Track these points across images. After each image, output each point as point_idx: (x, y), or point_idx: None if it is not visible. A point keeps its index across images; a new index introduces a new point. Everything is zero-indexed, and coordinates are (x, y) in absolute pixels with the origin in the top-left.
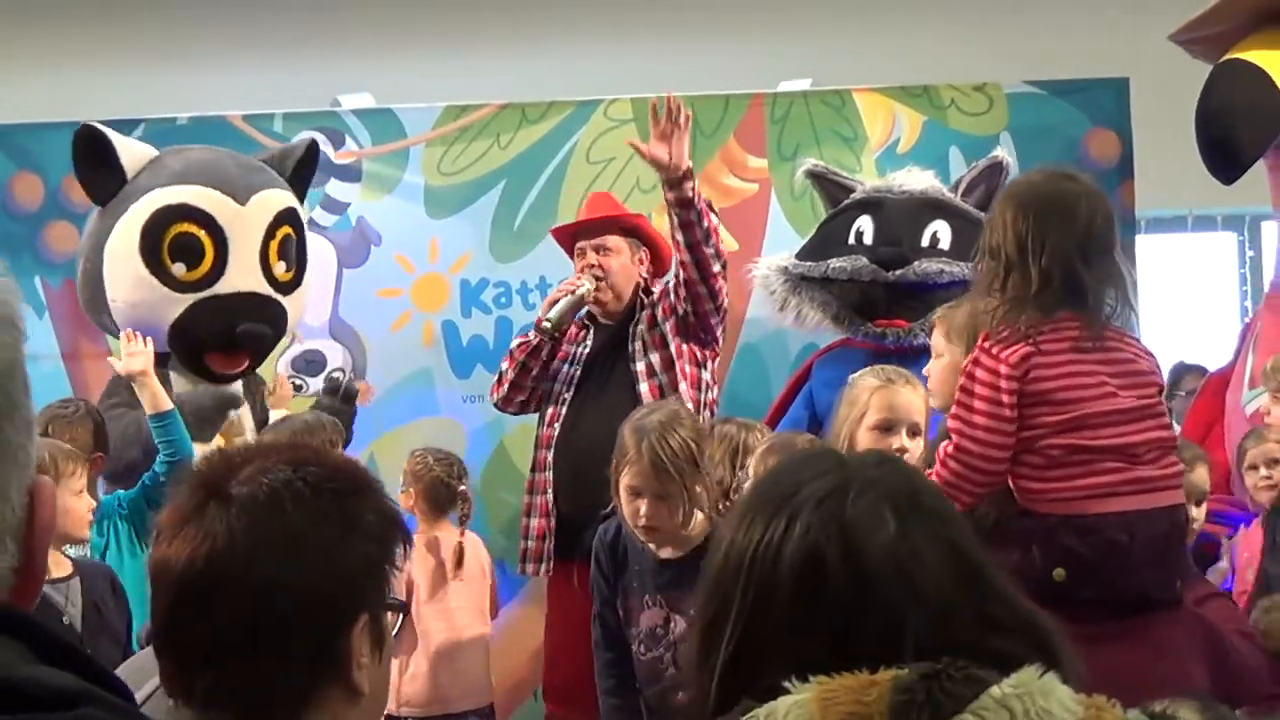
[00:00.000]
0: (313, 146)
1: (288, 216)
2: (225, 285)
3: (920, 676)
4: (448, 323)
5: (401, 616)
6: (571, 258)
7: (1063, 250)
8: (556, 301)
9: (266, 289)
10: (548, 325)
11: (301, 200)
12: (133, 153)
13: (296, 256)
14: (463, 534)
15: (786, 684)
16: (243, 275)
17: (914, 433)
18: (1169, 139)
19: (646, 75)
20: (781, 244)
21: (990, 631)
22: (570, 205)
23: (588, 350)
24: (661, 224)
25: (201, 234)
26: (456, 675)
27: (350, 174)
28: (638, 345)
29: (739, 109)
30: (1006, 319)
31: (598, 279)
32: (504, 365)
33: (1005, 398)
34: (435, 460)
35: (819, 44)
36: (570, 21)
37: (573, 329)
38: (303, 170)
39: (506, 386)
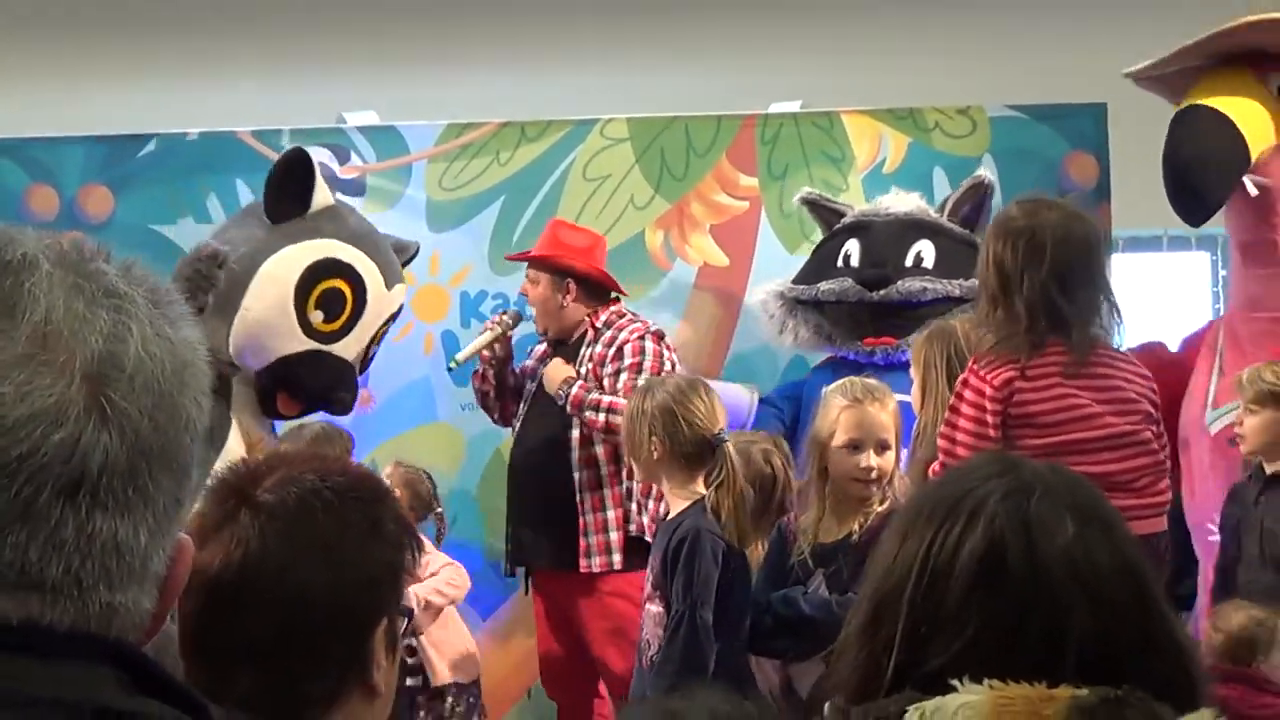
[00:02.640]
0: (417, 249)
1: (396, 314)
2: (340, 349)
3: (1101, 700)
4: (447, 333)
5: (407, 621)
6: None
7: (1041, 286)
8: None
9: (356, 364)
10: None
11: None
12: (322, 193)
13: (376, 346)
14: (438, 545)
15: (956, 682)
16: (354, 347)
17: (882, 449)
18: (1145, 162)
19: (642, 96)
20: (771, 259)
21: (1148, 648)
22: (568, 220)
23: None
24: (655, 239)
25: (350, 298)
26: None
27: (354, 188)
28: (582, 370)
29: (731, 129)
30: (997, 349)
31: (514, 320)
32: None
33: (990, 418)
34: (405, 484)
35: (809, 67)
36: (568, 43)
37: (540, 347)
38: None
39: (482, 410)
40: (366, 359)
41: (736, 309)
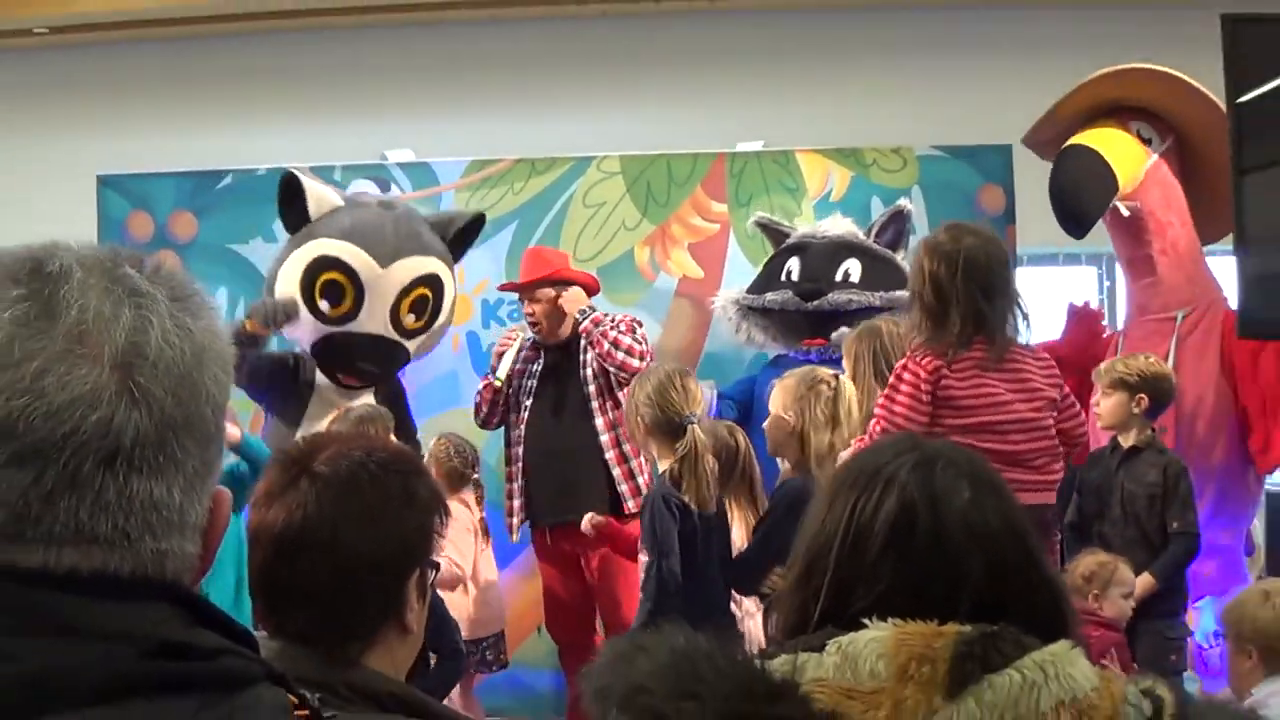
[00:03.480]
0: (478, 219)
1: (425, 280)
2: (357, 326)
3: (980, 634)
4: (471, 333)
5: (435, 573)
6: (520, 302)
7: (970, 297)
8: (501, 355)
9: (391, 334)
10: (499, 382)
11: (457, 258)
12: (320, 199)
13: (432, 309)
14: (482, 509)
15: (867, 621)
16: (373, 321)
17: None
18: (1043, 192)
19: (632, 137)
20: (738, 272)
21: (1028, 591)
22: (569, 242)
23: (541, 368)
24: (642, 255)
25: (346, 283)
26: (483, 609)
27: None
28: (586, 357)
29: (705, 164)
30: (930, 344)
31: (532, 324)
32: (478, 401)
33: (924, 396)
34: (455, 451)
35: (769, 114)
36: (571, 94)
37: (529, 352)
38: (466, 235)
39: (482, 418)
40: (409, 325)
41: (710, 313)
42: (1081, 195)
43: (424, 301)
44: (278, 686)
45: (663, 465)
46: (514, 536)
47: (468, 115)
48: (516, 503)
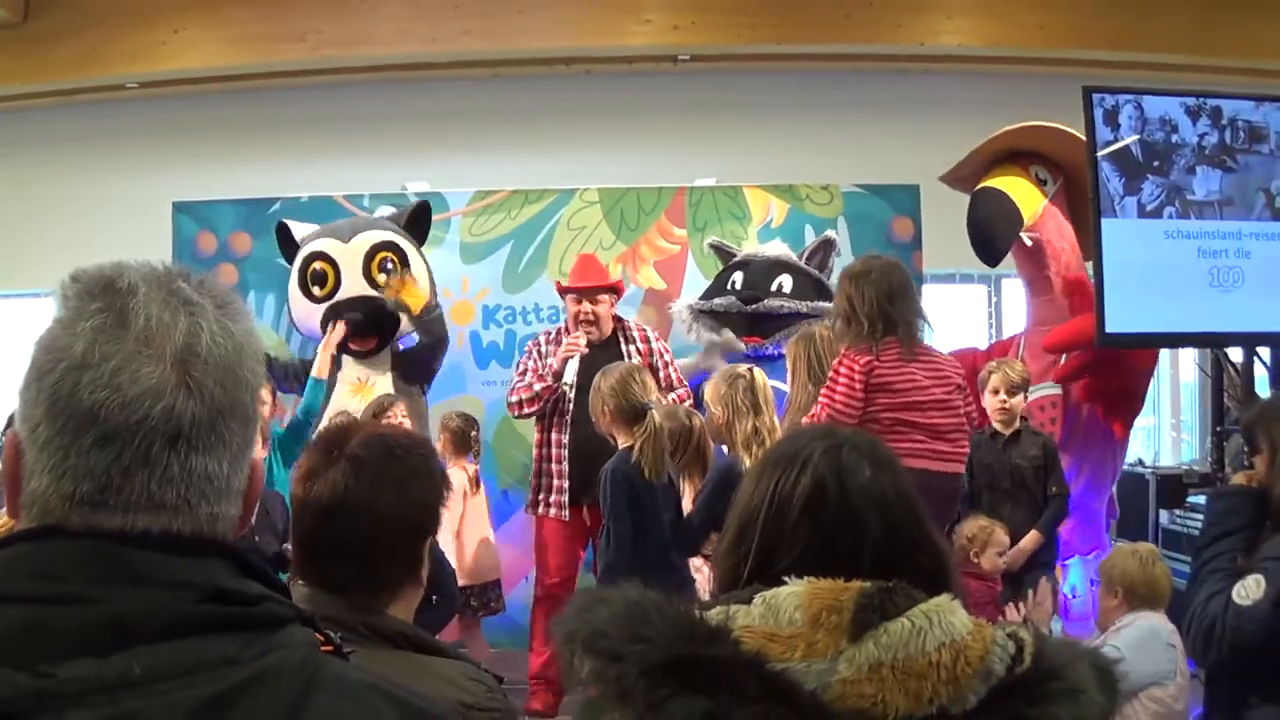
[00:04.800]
0: (422, 205)
1: (383, 246)
2: (342, 294)
3: (878, 589)
4: (474, 333)
5: (433, 537)
6: (577, 302)
7: (875, 303)
8: (566, 361)
9: (370, 291)
10: (567, 387)
11: (422, 238)
12: (302, 231)
13: (400, 271)
14: (476, 466)
15: (786, 579)
16: (352, 286)
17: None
18: (944, 224)
19: (609, 173)
20: (694, 285)
21: (918, 551)
22: (555, 259)
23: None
24: (616, 270)
25: (326, 266)
26: (478, 560)
27: None
28: (632, 356)
29: (669, 196)
30: (856, 344)
31: (588, 325)
32: (529, 397)
33: (858, 386)
34: (459, 417)
35: (722, 155)
36: (558, 137)
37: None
38: (418, 221)
39: (528, 411)
40: (382, 283)
41: (670, 318)
42: (995, 230)
43: (387, 262)
44: (306, 626)
45: (622, 443)
46: (564, 513)
47: (473, 154)
48: (565, 483)
